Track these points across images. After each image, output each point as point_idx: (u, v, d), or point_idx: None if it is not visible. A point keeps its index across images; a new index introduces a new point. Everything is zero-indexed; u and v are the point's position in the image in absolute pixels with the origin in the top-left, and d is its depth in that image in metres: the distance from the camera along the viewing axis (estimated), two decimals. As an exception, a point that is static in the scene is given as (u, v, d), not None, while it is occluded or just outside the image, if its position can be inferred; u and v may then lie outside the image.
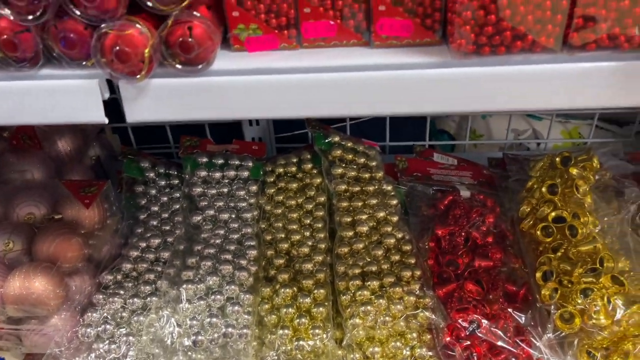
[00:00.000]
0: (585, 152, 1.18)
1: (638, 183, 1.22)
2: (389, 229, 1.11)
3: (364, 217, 1.12)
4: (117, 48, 0.61)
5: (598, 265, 0.99)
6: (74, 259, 0.99)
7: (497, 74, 0.63)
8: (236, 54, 0.70)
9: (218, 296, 0.97)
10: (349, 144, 1.22)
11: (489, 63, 0.64)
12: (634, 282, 0.99)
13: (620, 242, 1.08)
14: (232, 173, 1.20)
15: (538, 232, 1.09)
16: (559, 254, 1.05)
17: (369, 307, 0.97)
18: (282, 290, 1.01)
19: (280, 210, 1.17)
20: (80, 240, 0.99)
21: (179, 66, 0.65)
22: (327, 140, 1.21)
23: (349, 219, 1.12)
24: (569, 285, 0.99)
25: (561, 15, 0.61)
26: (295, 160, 1.24)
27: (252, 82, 0.66)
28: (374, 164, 1.21)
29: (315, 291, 1.01)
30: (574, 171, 1.13)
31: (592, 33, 0.62)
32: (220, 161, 1.21)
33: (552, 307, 0.98)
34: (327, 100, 0.66)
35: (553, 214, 1.09)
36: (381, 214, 1.13)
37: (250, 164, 1.22)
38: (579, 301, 0.95)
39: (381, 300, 0.98)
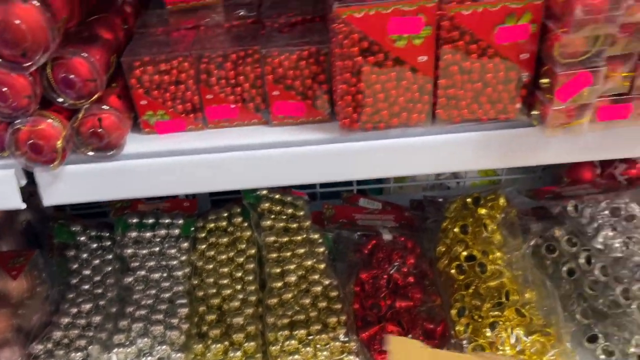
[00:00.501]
0: (493, 192, 1.29)
1: (540, 218, 1.34)
2: (317, 276, 1.17)
3: (293, 266, 1.18)
4: (31, 141, 0.66)
5: (504, 299, 1.09)
6: (3, 330, 0.99)
7: (379, 146, 0.72)
8: (147, 137, 0.76)
9: (149, 358, 1.00)
10: (276, 196, 1.29)
11: (372, 137, 0.73)
12: (535, 313, 1.09)
13: (525, 276, 1.18)
14: (163, 232, 1.24)
15: (452, 271, 1.18)
16: (470, 290, 1.14)
17: (296, 357, 1.02)
18: (213, 346, 1.05)
19: (211, 266, 1.21)
20: (8, 312, 1.00)
21: (91, 153, 0.70)
22: (255, 194, 1.27)
23: (278, 270, 1.18)
24: (480, 320, 1.08)
25: (427, 96, 0.71)
26: (225, 214, 1.29)
27: (161, 164, 0.72)
28: (301, 213, 1.29)
29: (246, 344, 1.05)
30: (482, 211, 1.24)
31: (455, 109, 0.72)
32: (151, 220, 1.25)
33: (465, 341, 1.06)
34: (231, 176, 0.73)
35: (464, 252, 1.18)
36: (309, 263, 1.19)
37: (181, 221, 1.27)
38: (488, 334, 1.04)
39: (308, 348, 1.04)
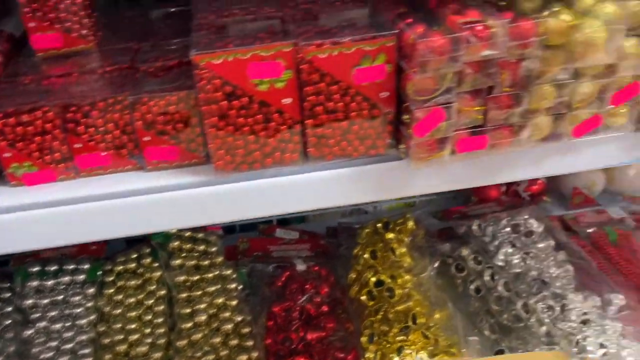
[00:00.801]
0: (402, 216, 1.32)
1: (449, 238, 1.38)
2: (228, 314, 1.16)
3: (203, 305, 1.16)
4: None
5: (411, 323, 1.11)
6: None
7: (255, 186, 0.73)
8: (14, 189, 0.74)
9: (45, 416, 0.95)
10: (187, 234, 1.27)
11: (248, 178, 0.73)
12: (440, 334, 1.11)
13: (433, 297, 1.21)
14: (67, 278, 1.19)
15: (362, 297, 1.20)
16: (379, 316, 1.15)
17: (204, 399, 1.00)
18: (117, 395, 1.01)
19: (119, 310, 1.17)
20: None
21: (-52, 211, 0.67)
22: (164, 233, 1.25)
23: (188, 310, 1.15)
24: (388, 345, 1.10)
25: (297, 136, 0.73)
26: (134, 256, 1.26)
27: (30, 217, 0.70)
28: (214, 249, 1.27)
29: (152, 390, 1.02)
30: (390, 235, 1.26)
31: (326, 147, 0.74)
32: (54, 267, 1.20)
33: (374, 368, 1.07)
34: (105, 225, 0.72)
35: (373, 278, 1.20)
36: (220, 300, 1.18)
37: (87, 265, 1.22)
38: (395, 359, 1.06)
39: (217, 390, 1.02)
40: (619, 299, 1.14)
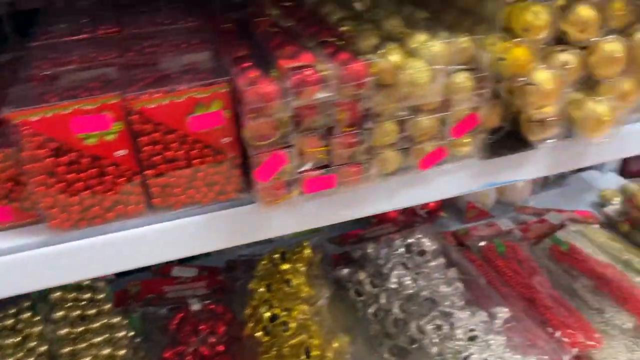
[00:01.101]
0: (299, 245, 1.31)
1: (348, 262, 1.39)
2: (115, 365, 1.10)
3: (88, 359, 1.09)
4: None
5: (304, 357, 1.09)
6: None
7: (97, 242, 0.69)
8: None
9: None
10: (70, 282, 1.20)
11: (90, 234, 0.69)
12: (335, 363, 1.11)
13: (330, 326, 1.20)
14: None
15: (258, 334, 1.17)
16: (274, 352, 1.13)
17: None
18: None
19: (-7, 374, 1.08)
20: None
21: None
22: (45, 284, 1.17)
23: (70, 366, 1.08)
24: (282, 383, 1.07)
25: (138, 187, 0.70)
26: (13, 311, 1.17)
27: None
28: (101, 296, 1.21)
29: None
30: (286, 266, 1.25)
31: (172, 196, 0.71)
32: None
33: (266, 408, 1.04)
34: None
35: (268, 313, 1.18)
36: (107, 351, 1.11)
37: (-43, 328, 1.12)
38: (287, 398, 1.03)
39: None
40: (503, 312, 1.18)
